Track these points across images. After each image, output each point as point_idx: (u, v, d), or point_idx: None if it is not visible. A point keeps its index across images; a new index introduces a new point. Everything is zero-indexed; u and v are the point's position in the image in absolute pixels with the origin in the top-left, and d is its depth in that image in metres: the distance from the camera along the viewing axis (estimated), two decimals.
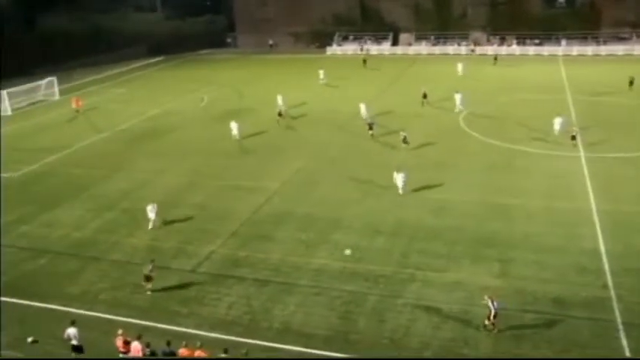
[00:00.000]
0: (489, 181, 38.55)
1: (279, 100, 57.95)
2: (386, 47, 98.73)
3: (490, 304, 23.17)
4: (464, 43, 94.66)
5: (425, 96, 58.02)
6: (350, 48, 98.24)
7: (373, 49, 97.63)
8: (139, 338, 21.92)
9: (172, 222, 34.54)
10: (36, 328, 24.95)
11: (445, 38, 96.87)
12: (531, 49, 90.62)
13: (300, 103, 60.10)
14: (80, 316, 25.07)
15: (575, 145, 42.55)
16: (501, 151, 44.00)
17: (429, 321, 24.30)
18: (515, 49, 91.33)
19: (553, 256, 28.79)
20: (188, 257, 30.32)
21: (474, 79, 70.04)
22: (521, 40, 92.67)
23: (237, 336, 23.69)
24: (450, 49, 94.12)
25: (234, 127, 49.18)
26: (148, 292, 27.23)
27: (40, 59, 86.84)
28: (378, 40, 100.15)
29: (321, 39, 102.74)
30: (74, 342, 22.39)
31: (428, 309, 25.06)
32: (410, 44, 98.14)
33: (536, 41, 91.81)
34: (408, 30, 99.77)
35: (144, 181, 41.52)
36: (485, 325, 23.44)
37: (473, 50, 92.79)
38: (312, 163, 43.20)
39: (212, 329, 24.29)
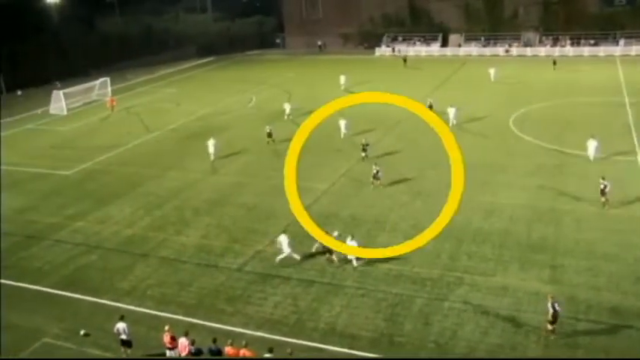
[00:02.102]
0: (540, 184, 37.70)
1: (287, 108, 56.70)
2: (435, 48, 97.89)
3: (550, 305, 22.47)
4: (515, 44, 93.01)
5: (431, 107, 54.37)
6: (399, 49, 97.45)
7: (416, 50, 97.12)
8: (185, 335, 22.23)
9: (221, 220, 34.98)
10: (88, 321, 25.58)
11: (496, 39, 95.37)
12: (586, 50, 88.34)
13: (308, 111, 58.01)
14: (129, 311, 25.59)
15: (605, 204, 33.61)
16: (553, 155, 43.04)
17: (476, 325, 23.92)
18: (569, 49, 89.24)
19: (606, 263, 27.96)
20: (235, 256, 30.58)
21: (513, 84, 68.73)
22: (576, 41, 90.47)
23: (282, 335, 23.78)
24: (501, 50, 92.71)
25: (210, 144, 45.19)
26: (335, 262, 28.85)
27: (95, 60, 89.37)
28: (427, 41, 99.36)
29: (370, 40, 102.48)
30: (123, 336, 22.85)
31: (475, 313, 24.68)
32: (459, 45, 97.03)
33: (592, 41, 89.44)
34: (457, 31, 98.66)
35: (193, 180, 42.12)
36: (549, 331, 22.75)
37: (507, 51, 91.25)
38: (359, 165, 42.99)
39: (258, 328, 24.44)
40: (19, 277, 29.80)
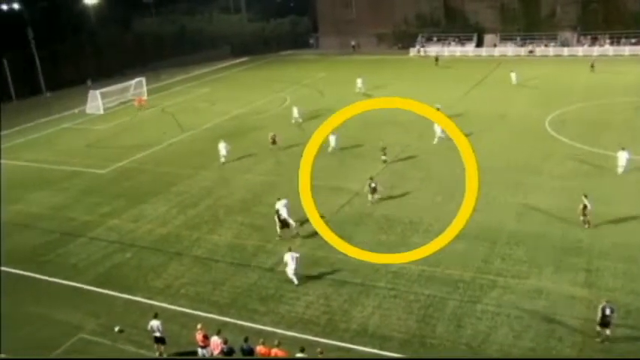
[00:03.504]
0: (576, 186, 36.77)
1: (295, 112, 55.96)
2: (470, 49, 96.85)
3: (600, 309, 21.99)
4: (552, 44, 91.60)
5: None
6: (433, 49, 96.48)
7: (451, 50, 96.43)
8: (218, 333, 22.42)
9: (254, 220, 35.15)
10: (122, 318, 25.99)
11: (532, 39, 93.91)
12: (627, 49, 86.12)
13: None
14: (163, 309, 25.93)
15: (586, 224, 31.33)
16: (590, 157, 42.15)
17: (510, 329, 23.63)
18: (609, 49, 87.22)
19: None
20: (267, 255, 30.71)
21: (544, 85, 67.64)
22: (616, 40, 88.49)
23: (314, 335, 23.82)
24: (537, 50, 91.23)
25: (222, 147, 45.25)
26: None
27: (131, 60, 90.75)
28: (462, 41, 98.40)
29: (405, 40, 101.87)
30: (157, 334, 23.15)
31: (508, 316, 24.38)
32: (495, 45, 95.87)
33: (633, 40, 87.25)
34: (493, 31, 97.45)
35: (227, 179, 42.46)
36: (603, 336, 22.32)
37: (531, 52, 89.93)
38: (388, 167, 42.79)
39: (290, 328, 24.52)
40: (57, 273, 30.48)
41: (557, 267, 27.85)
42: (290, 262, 27.56)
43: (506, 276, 27.38)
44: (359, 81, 68.29)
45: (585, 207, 31.11)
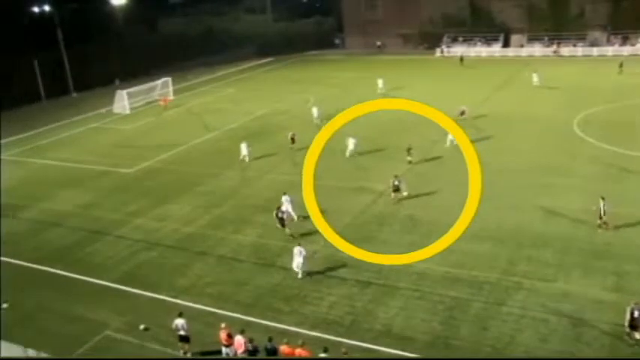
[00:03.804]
0: (603, 188, 36.06)
1: (315, 112, 55.88)
2: (496, 49, 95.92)
3: (629, 310, 21.71)
4: (580, 44, 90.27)
5: (463, 113, 52.09)
6: (459, 50, 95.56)
7: (477, 50, 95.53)
8: (242, 332, 22.49)
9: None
10: (148, 316, 26.21)
11: (560, 39, 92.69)
12: None
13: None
14: (187, 307, 26.08)
15: (601, 227, 30.93)
16: (618, 158, 41.48)
17: (535, 332, 23.34)
18: None
19: None
20: (292, 255, 30.66)
21: (565, 88, 66.60)
22: None
23: (337, 336, 23.78)
24: (563, 50, 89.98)
25: (243, 147, 46.17)
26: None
27: (158, 60, 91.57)
28: (488, 41, 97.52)
29: (430, 40, 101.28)
30: (182, 332, 23.28)
31: (534, 319, 24.09)
32: (522, 46, 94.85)
33: None
34: (520, 31, 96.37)
35: (251, 179, 42.63)
36: (633, 339, 22.03)
37: (555, 52, 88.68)
38: (414, 167, 42.57)
39: (313, 328, 24.50)
40: (84, 271, 30.86)
41: (585, 270, 27.44)
42: (297, 256, 28.19)
43: (532, 278, 27.07)
44: (380, 81, 68.12)
45: (603, 213, 30.53)
